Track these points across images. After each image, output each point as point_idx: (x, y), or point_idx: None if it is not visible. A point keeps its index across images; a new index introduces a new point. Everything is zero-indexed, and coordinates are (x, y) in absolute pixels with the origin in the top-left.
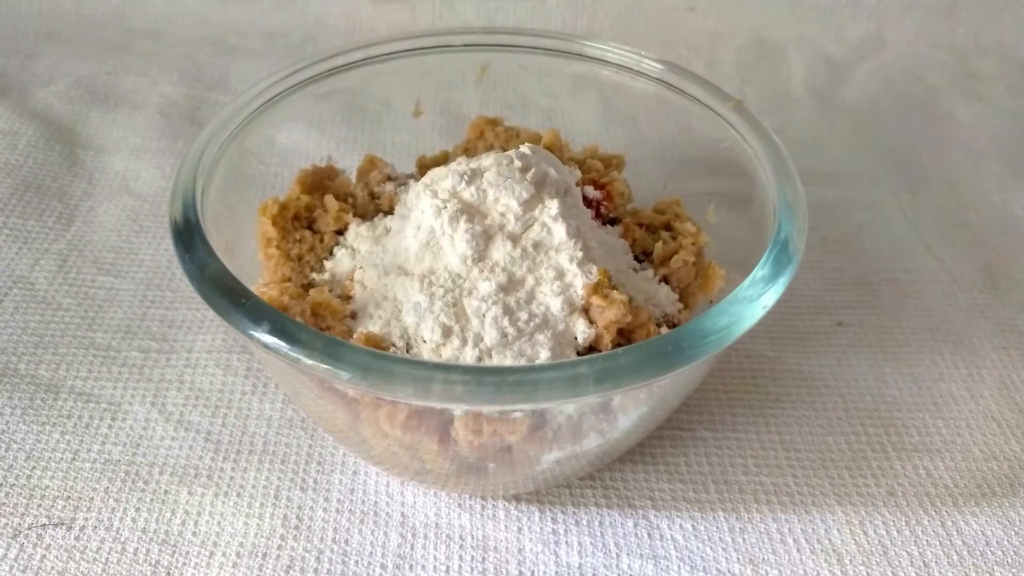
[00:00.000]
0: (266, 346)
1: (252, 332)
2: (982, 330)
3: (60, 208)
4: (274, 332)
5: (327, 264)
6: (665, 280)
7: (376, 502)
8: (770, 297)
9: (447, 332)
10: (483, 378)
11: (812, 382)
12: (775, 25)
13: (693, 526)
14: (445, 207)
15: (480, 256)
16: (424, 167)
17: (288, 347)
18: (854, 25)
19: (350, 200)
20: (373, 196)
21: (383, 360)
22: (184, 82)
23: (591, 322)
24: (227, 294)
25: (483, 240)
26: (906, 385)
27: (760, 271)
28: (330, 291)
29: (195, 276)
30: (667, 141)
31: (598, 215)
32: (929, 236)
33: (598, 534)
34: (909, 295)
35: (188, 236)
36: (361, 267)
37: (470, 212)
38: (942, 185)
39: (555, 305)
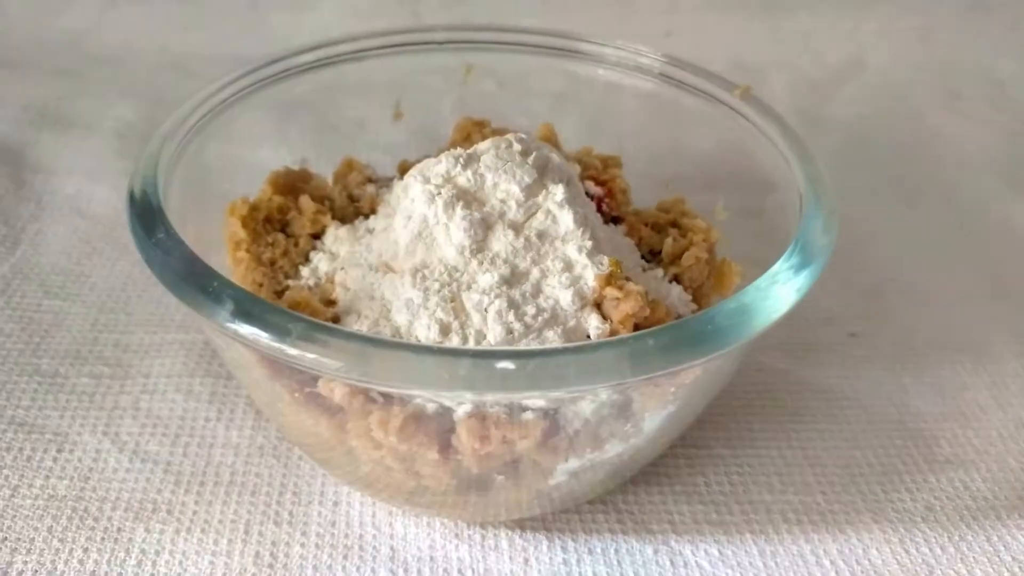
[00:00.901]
0: (243, 338)
1: (226, 323)
2: (1000, 338)
3: (4, 231)
4: (250, 319)
5: (303, 270)
6: (676, 280)
7: (361, 535)
8: (805, 281)
9: (445, 329)
10: (498, 363)
11: (831, 394)
12: (753, 50)
13: (719, 551)
14: (439, 193)
15: (479, 247)
16: (406, 171)
17: (269, 336)
18: (833, 48)
19: (327, 203)
20: (352, 199)
21: (381, 346)
22: (143, 106)
23: (604, 317)
24: (198, 280)
25: (482, 229)
26: (929, 395)
27: (792, 255)
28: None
29: (159, 262)
30: (669, 138)
31: (600, 213)
32: (932, 247)
33: (614, 563)
34: (920, 305)
35: (149, 218)
36: (343, 268)
37: (467, 199)
38: (939, 199)
39: (565, 298)
